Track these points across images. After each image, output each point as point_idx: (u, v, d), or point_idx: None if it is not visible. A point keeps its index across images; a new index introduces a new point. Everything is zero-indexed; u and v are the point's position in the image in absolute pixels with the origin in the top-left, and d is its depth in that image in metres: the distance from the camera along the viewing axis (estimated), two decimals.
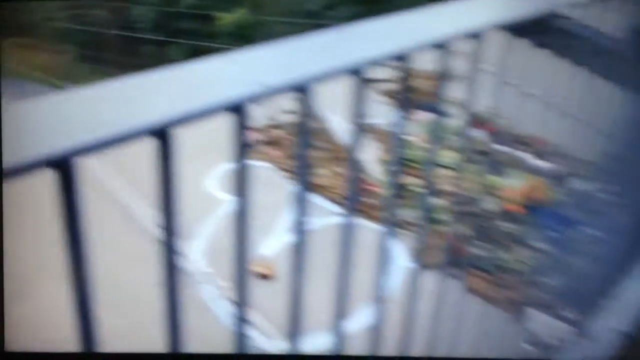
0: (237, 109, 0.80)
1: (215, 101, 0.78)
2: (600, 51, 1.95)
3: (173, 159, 0.74)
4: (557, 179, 1.98)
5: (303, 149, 0.96)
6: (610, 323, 1.80)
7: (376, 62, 1.03)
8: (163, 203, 0.76)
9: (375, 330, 1.22)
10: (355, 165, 1.19)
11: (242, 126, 0.82)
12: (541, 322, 1.78)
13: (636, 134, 2.10)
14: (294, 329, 1.02)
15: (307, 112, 0.92)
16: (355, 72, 0.97)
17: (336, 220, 1.10)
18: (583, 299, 1.85)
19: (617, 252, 2.01)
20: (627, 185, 2.10)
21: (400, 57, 1.06)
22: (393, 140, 1.37)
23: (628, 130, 2.05)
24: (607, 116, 2.00)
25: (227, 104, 0.78)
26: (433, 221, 1.53)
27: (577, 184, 2.03)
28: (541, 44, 1.78)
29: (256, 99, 0.83)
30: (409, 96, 1.32)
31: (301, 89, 0.88)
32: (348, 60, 0.98)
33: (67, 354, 0.83)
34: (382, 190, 1.32)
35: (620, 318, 1.83)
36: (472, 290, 1.71)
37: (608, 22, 1.91)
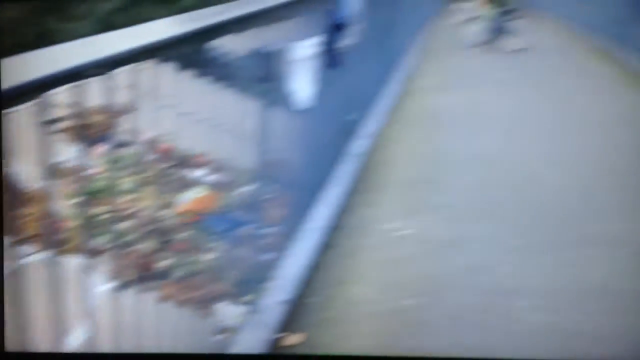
0: None
1: None
2: (242, 74, 2.34)
3: None
4: (225, 187, 2.30)
5: None
6: (276, 296, 2.25)
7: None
8: None
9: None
10: (39, 205, 1.31)
11: None
12: (225, 311, 2.12)
13: (279, 142, 2.58)
14: None
15: None
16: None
17: (36, 259, 1.23)
18: (254, 283, 2.25)
19: (276, 240, 2.47)
20: (279, 183, 2.56)
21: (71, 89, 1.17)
22: (77, 175, 1.53)
23: (274, 139, 2.51)
24: (257, 129, 2.41)
25: None
26: (124, 243, 1.72)
27: (242, 189, 2.40)
28: (198, 73, 2.08)
29: None
30: (86, 131, 1.49)
31: None
32: None
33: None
34: (73, 224, 1.43)
35: (283, 290, 2.30)
36: (165, 299, 1.93)
37: (241, 49, 2.31)
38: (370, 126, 4.32)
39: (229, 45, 2.21)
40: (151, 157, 1.88)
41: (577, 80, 6.32)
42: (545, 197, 3.23)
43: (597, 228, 2.83)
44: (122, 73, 1.61)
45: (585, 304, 2.26)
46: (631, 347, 2.03)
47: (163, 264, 2.12)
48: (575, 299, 2.29)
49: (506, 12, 7.96)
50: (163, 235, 2.09)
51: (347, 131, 3.83)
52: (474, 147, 4.07)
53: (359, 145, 3.89)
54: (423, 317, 2.24)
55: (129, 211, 1.79)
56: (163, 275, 2.09)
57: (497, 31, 7.94)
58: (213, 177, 2.26)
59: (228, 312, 2.11)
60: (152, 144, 1.87)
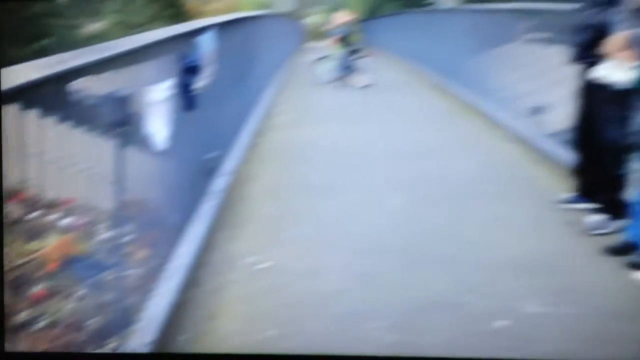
0: None
1: None
2: (98, 116, 2.34)
3: None
4: (85, 231, 2.27)
5: None
6: (142, 339, 2.25)
7: None
8: None
9: None
10: None
11: None
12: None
13: (139, 183, 2.60)
14: None
15: None
16: None
17: None
18: (119, 328, 2.24)
19: (140, 281, 2.48)
20: (141, 224, 2.57)
21: None
22: None
23: (133, 180, 2.52)
24: (115, 170, 2.42)
25: None
26: None
27: (102, 232, 2.38)
28: (52, 116, 2.06)
29: None
30: None
31: None
32: None
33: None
34: None
35: (149, 332, 2.31)
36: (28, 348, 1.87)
37: (96, 92, 2.32)
38: (229, 163, 4.43)
39: (85, 88, 2.22)
40: (9, 204, 1.84)
41: (419, 111, 6.91)
42: (391, 222, 3.51)
43: (438, 248, 3.13)
44: None
45: (429, 320, 2.50)
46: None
47: (21, 315, 2.04)
48: (421, 317, 2.52)
49: (353, 52, 8.53)
50: (20, 285, 2.02)
51: (207, 169, 3.90)
52: (326, 179, 4.31)
53: (219, 182, 3.98)
54: (285, 346, 2.36)
55: None
56: (22, 327, 2.01)
57: (347, 69, 8.47)
58: (71, 221, 2.23)
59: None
60: (10, 191, 1.84)
